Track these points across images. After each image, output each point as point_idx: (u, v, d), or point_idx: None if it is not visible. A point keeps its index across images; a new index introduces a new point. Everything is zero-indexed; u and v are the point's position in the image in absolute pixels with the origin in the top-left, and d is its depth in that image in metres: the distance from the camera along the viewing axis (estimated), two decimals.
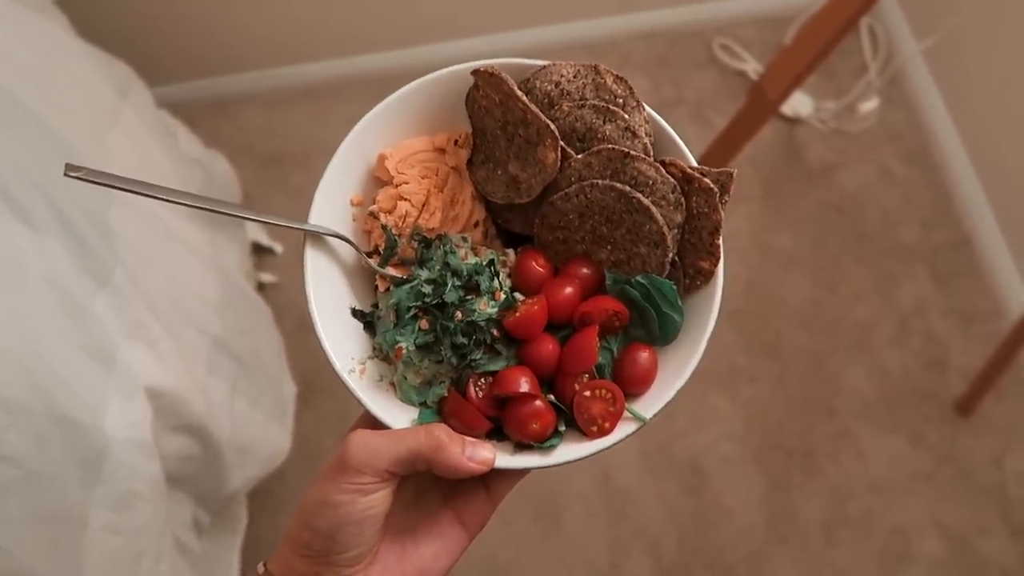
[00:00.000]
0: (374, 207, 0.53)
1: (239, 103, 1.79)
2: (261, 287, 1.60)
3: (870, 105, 1.74)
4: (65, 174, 0.45)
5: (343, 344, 0.51)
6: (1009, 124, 1.58)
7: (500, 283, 0.51)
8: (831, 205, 1.70)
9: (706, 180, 0.50)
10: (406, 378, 0.51)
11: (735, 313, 1.60)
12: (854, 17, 1.10)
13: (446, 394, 0.50)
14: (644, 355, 0.50)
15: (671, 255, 0.51)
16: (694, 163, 0.51)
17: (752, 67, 1.79)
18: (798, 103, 1.75)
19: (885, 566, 1.44)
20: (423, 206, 0.53)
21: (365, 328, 0.53)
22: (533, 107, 0.50)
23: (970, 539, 1.45)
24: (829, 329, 1.60)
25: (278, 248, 1.64)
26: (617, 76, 0.52)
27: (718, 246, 0.50)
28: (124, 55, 1.32)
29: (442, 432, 0.45)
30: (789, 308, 1.61)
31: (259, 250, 1.63)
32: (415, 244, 0.53)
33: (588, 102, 0.51)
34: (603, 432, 0.48)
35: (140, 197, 1.08)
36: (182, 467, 1.07)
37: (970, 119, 1.67)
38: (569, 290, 0.50)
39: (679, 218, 0.50)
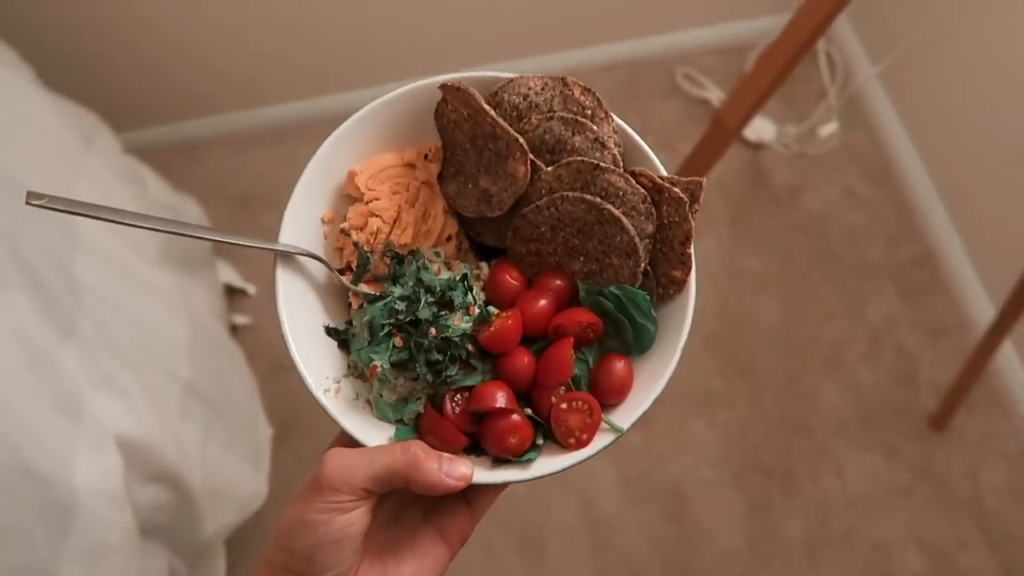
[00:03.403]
0: (345, 224, 0.53)
1: (208, 146, 1.79)
2: (235, 329, 1.58)
3: (830, 128, 1.79)
4: (27, 203, 0.44)
5: (317, 364, 0.51)
6: (964, 139, 1.62)
7: (474, 297, 0.51)
8: (798, 227, 1.73)
9: (676, 190, 0.50)
10: (382, 396, 0.50)
11: (709, 337, 1.61)
12: (805, 45, 1.13)
13: (422, 411, 0.50)
14: (619, 365, 0.50)
15: (643, 265, 0.51)
16: (664, 172, 0.51)
17: (715, 95, 1.82)
18: (761, 129, 1.78)
19: None
20: (395, 222, 0.53)
21: (340, 346, 0.53)
22: (502, 121, 0.50)
23: (950, 553, 1.46)
24: (802, 349, 1.61)
25: (251, 289, 1.63)
26: (585, 88, 0.52)
27: (690, 255, 0.50)
28: (90, 101, 1.32)
29: (418, 448, 0.45)
30: (761, 329, 1.63)
31: (232, 292, 1.62)
32: (387, 260, 0.53)
33: (556, 114, 0.51)
34: (581, 444, 0.48)
35: (105, 243, 1.08)
36: (155, 516, 1.05)
37: (927, 137, 1.71)
38: (543, 303, 0.50)
39: (650, 228, 0.51)
